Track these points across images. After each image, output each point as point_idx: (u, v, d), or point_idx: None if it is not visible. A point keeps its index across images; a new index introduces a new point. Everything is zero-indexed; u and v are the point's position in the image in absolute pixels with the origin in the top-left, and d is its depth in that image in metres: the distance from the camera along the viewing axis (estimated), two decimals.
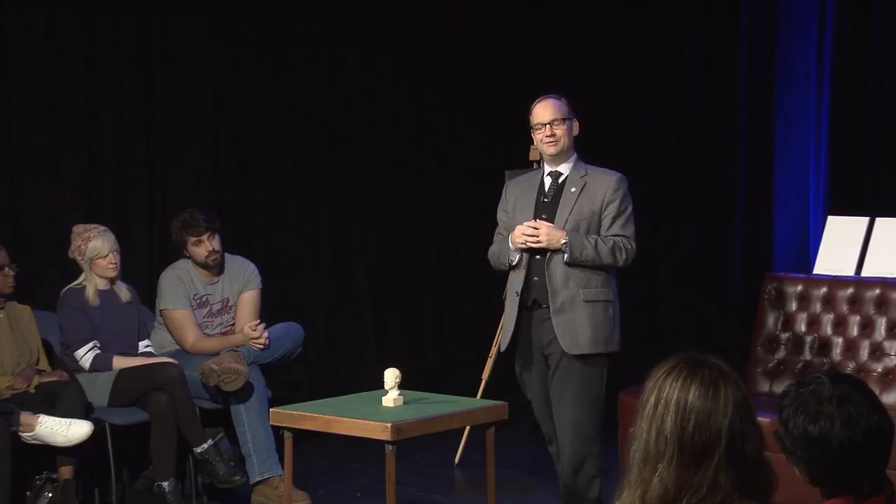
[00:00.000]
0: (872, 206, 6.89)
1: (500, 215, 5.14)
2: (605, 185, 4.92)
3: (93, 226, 6.04)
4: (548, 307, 4.85)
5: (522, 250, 4.88)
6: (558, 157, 4.97)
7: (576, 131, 5.01)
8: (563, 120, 4.94)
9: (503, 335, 5.05)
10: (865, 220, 6.15)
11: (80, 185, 7.37)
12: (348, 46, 8.34)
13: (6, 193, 7.15)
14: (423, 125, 8.68)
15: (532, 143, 6.62)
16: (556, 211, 4.92)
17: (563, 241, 4.79)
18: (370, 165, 8.48)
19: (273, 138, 8.16)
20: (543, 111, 4.96)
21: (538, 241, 4.81)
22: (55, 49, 7.27)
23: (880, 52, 7.83)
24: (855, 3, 7.93)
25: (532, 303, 4.91)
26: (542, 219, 4.90)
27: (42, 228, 7.19)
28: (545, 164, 5.04)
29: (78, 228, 6.02)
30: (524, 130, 6.79)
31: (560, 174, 4.99)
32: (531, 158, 6.59)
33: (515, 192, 5.09)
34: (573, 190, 4.92)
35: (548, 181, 5.01)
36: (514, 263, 4.93)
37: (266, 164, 8.15)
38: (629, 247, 4.87)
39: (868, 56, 7.89)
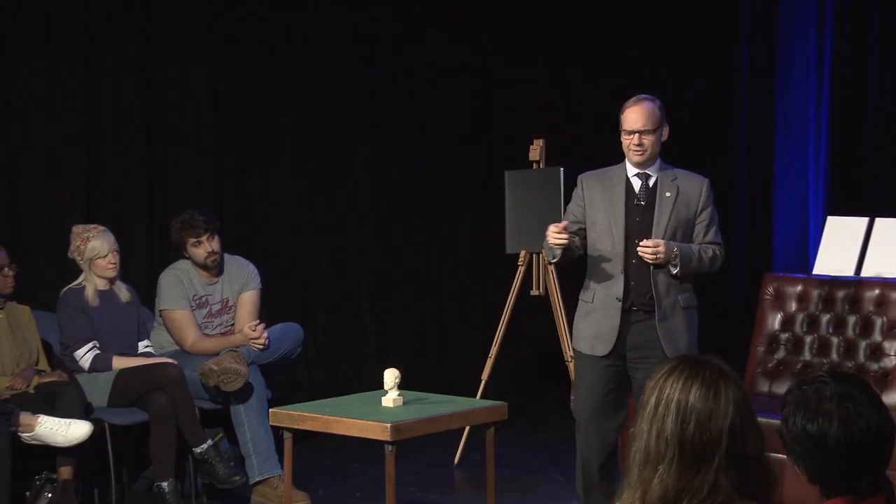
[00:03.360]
0: (872, 206, 6.89)
1: (573, 208, 5.05)
2: (697, 190, 4.93)
3: (92, 226, 6.03)
4: (645, 311, 4.88)
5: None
6: (644, 164, 4.92)
7: (665, 137, 4.94)
8: (654, 130, 4.86)
9: (599, 341, 4.94)
10: (865, 220, 6.14)
11: (80, 185, 7.37)
12: (348, 46, 8.34)
13: (6, 193, 7.15)
14: (423, 125, 8.67)
15: (532, 144, 6.64)
16: (652, 216, 4.89)
17: (675, 253, 4.82)
18: (370, 165, 8.48)
19: (273, 138, 8.16)
20: (635, 118, 4.86)
21: (657, 259, 4.80)
22: (55, 49, 7.27)
23: (880, 52, 7.82)
24: (855, 3, 7.92)
25: (629, 306, 4.91)
26: (636, 222, 4.88)
27: (42, 228, 7.19)
28: (629, 165, 4.95)
29: (77, 228, 6.01)
30: (524, 130, 6.79)
31: (649, 176, 4.93)
32: (531, 158, 6.59)
33: (595, 188, 4.99)
34: (668, 195, 4.90)
35: (636, 182, 4.93)
36: (555, 259, 4.90)
37: (266, 164, 8.15)
38: (722, 254, 4.97)
39: (868, 56, 7.88)
